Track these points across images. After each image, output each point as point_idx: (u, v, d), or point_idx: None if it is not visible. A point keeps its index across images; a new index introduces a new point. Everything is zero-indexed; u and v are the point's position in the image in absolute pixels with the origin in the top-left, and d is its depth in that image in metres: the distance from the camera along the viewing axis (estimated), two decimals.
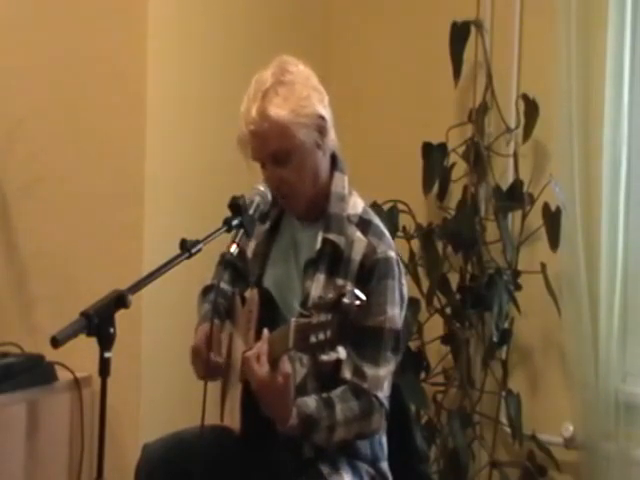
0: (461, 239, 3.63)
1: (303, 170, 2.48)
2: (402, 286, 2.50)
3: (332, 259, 2.47)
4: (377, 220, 2.55)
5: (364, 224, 2.51)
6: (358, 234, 2.49)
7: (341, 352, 2.25)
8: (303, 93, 2.47)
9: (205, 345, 2.49)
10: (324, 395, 2.39)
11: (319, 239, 2.49)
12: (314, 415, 2.34)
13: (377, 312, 2.41)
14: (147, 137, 3.33)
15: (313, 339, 2.10)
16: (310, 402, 2.36)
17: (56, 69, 3.45)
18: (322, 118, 2.49)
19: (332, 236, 2.48)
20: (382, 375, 2.43)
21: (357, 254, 2.47)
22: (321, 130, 2.49)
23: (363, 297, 2.09)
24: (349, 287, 2.08)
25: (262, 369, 2.27)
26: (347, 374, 2.40)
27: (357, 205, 2.55)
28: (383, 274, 2.45)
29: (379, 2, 4.02)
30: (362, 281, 2.44)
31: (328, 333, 2.09)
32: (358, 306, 2.08)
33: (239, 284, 2.70)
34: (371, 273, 2.45)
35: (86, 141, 3.42)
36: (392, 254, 2.49)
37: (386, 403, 2.45)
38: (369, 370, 2.41)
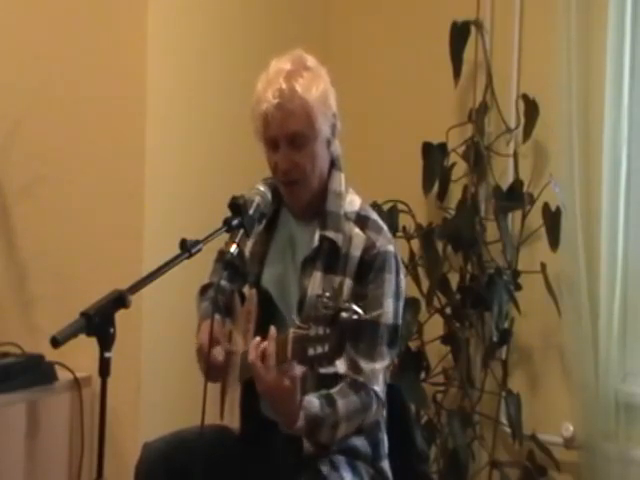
0: (461, 239, 3.63)
1: (315, 159, 2.48)
2: (400, 280, 2.49)
3: (329, 256, 2.47)
4: (375, 215, 2.55)
5: (362, 220, 2.51)
6: (356, 230, 2.48)
7: (339, 366, 2.25)
8: (325, 85, 2.48)
9: (209, 342, 2.48)
10: (324, 392, 2.38)
11: (316, 237, 2.49)
12: (319, 414, 2.32)
13: (374, 305, 2.40)
14: (147, 137, 3.33)
15: (311, 352, 2.09)
16: (314, 401, 2.34)
17: (56, 69, 3.45)
18: (335, 117, 2.50)
19: (329, 233, 2.48)
20: (378, 368, 2.42)
21: (356, 249, 2.46)
22: (333, 128, 2.50)
23: (361, 312, 2.08)
24: (347, 304, 2.07)
25: (269, 373, 2.24)
26: (343, 368, 2.38)
27: (354, 202, 2.54)
28: (381, 267, 2.45)
29: (379, 2, 4.02)
30: (361, 276, 2.44)
31: (326, 347, 2.08)
32: (356, 320, 2.07)
33: (237, 282, 2.69)
34: (370, 267, 2.44)
35: (86, 141, 3.42)
36: (391, 248, 2.49)
37: (382, 396, 2.44)
38: (365, 365, 2.40)
